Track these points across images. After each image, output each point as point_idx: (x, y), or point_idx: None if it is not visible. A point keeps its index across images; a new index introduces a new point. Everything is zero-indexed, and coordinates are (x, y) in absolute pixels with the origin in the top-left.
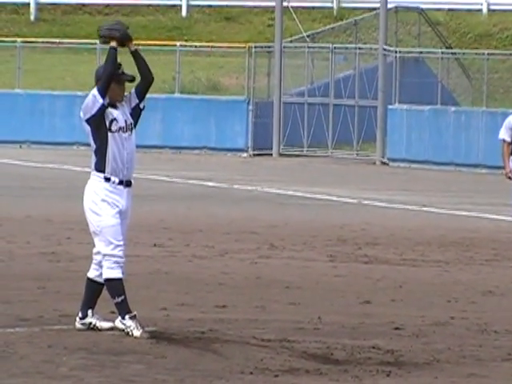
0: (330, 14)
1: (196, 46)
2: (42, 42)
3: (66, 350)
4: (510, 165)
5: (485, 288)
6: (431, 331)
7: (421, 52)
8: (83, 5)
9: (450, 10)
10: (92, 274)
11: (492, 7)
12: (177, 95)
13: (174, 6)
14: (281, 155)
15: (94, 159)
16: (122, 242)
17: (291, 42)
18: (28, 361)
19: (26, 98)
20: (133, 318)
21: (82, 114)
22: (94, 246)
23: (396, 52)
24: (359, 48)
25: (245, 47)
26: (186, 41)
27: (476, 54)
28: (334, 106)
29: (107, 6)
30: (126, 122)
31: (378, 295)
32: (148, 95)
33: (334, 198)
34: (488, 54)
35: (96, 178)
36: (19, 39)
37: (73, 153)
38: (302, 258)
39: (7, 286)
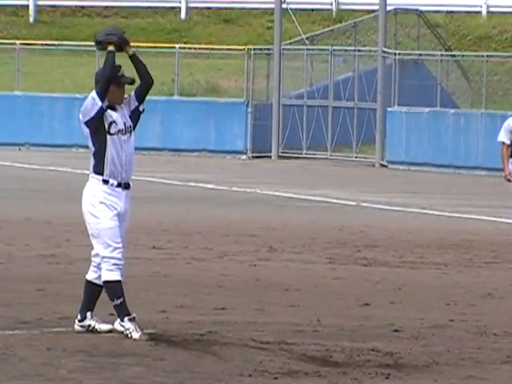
0: (330, 16)
1: (195, 49)
2: (41, 45)
3: (65, 352)
4: (509, 167)
5: (484, 290)
6: (430, 334)
7: (420, 54)
8: (82, 7)
9: (449, 12)
10: (91, 276)
11: (491, 9)
12: (176, 97)
13: (173, 8)
14: (280, 157)
15: (92, 161)
16: (120, 245)
17: (290, 44)
18: (27, 363)
19: (25, 100)
20: (132, 320)
21: (81, 117)
22: (92, 248)
23: (395, 54)
24: (358, 50)
25: (244, 49)
26: (185, 43)
27: (475, 56)
28: (333, 109)
29: (106, 8)
30: (125, 124)
31: (377, 297)
32: (147, 97)
33: (334, 201)
34: (487, 56)
35: (94, 181)
36: (18, 41)
37: (72, 155)
38: (301, 260)
39: (6, 289)
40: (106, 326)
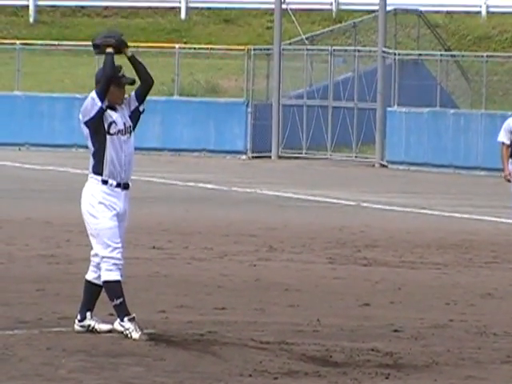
0: (329, 16)
1: (195, 49)
2: (41, 45)
3: (64, 352)
4: (509, 167)
5: (484, 290)
6: (430, 334)
7: (420, 54)
8: (82, 7)
9: (449, 12)
10: (90, 276)
11: (491, 10)
12: (176, 98)
13: (173, 8)
14: (280, 157)
15: (91, 162)
16: (119, 245)
17: (290, 44)
18: (27, 363)
19: (25, 100)
20: (132, 320)
21: (80, 117)
22: (92, 248)
23: (395, 54)
24: (358, 50)
25: (244, 49)
26: (185, 43)
27: (475, 56)
28: (333, 109)
29: (106, 8)
30: (124, 124)
31: (377, 297)
32: (147, 98)
33: (333, 201)
34: (487, 56)
35: (93, 181)
36: (18, 41)
37: (72, 155)
38: (301, 260)
39: (6, 289)
40: (105, 326)
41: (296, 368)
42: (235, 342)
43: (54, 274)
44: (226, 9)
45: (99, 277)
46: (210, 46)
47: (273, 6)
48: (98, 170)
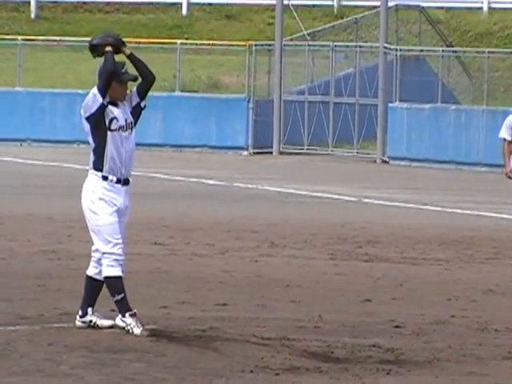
0: (331, 12)
1: (196, 44)
2: (43, 40)
3: (66, 348)
4: (510, 164)
5: (485, 286)
6: (432, 330)
7: (421, 50)
8: (84, 3)
9: (450, 8)
10: (91, 271)
11: (493, 5)
12: (177, 93)
13: (174, 4)
14: (281, 153)
15: (92, 157)
16: (120, 240)
17: (292, 40)
18: (28, 359)
19: (26, 96)
20: (133, 315)
21: (82, 112)
22: (93, 243)
23: (396, 50)
24: (360, 46)
25: (245, 45)
26: (186, 39)
27: (477, 52)
28: (335, 105)
29: (108, 3)
30: (126, 120)
31: (379, 293)
32: (149, 93)
33: (335, 197)
34: (489, 52)
35: (93, 177)
36: (20, 37)
37: (73, 151)
38: (303, 256)
39: (8, 284)
40: (107, 322)
41: (297, 364)
42: (237, 338)
43: (56, 269)
44: (227, 4)
45: (100, 272)
46: (211, 42)
47: (274, 2)
48: (98, 165)
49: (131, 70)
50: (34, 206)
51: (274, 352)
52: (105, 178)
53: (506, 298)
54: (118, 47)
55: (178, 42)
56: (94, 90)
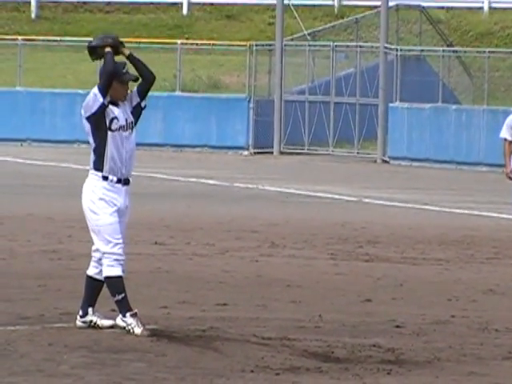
0: (331, 12)
1: (197, 44)
2: (43, 40)
3: (66, 348)
4: (511, 164)
5: (485, 286)
6: (432, 329)
7: (422, 50)
8: (84, 3)
9: (451, 8)
10: (91, 271)
11: (493, 5)
12: (178, 93)
13: (175, 3)
14: (282, 153)
15: (92, 157)
16: (120, 240)
17: (292, 40)
18: (29, 359)
19: (26, 96)
20: (134, 315)
21: (82, 112)
22: (93, 243)
23: (397, 50)
24: (360, 46)
25: (246, 45)
26: (187, 39)
27: (477, 52)
28: (335, 104)
29: (108, 3)
30: (126, 120)
31: (379, 293)
32: (149, 93)
33: (335, 196)
34: (489, 52)
35: (94, 177)
36: (20, 37)
37: (74, 151)
38: (303, 256)
39: (8, 284)
40: (107, 322)
41: (298, 364)
42: (237, 338)
43: (56, 269)
44: (227, 4)
45: (100, 272)
46: (211, 42)
47: (275, 2)
48: (98, 165)
49: (131, 70)
50: (34, 206)
51: (274, 352)
52: (105, 178)
53: (507, 298)
54: (117, 48)
55: (179, 41)
56: (95, 89)
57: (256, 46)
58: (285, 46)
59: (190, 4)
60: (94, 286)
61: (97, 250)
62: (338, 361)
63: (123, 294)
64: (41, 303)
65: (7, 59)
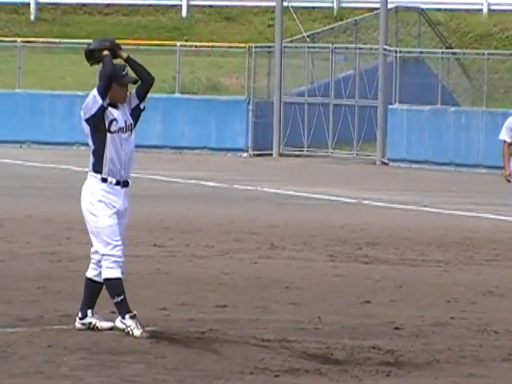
0: (330, 14)
1: (196, 46)
2: (42, 42)
3: (66, 349)
4: (510, 166)
5: (485, 288)
6: (431, 331)
7: (421, 52)
8: (83, 5)
9: (450, 9)
10: (90, 273)
11: (492, 7)
12: (177, 95)
13: (174, 5)
14: (281, 155)
15: (91, 159)
16: (120, 242)
17: (291, 42)
18: (28, 361)
19: (26, 98)
20: (133, 317)
21: (82, 114)
22: (92, 245)
23: (396, 52)
24: (359, 48)
25: (245, 47)
26: (186, 41)
27: (476, 54)
28: (334, 106)
29: (107, 5)
30: (125, 122)
31: (378, 295)
32: (148, 95)
33: (334, 198)
34: (488, 54)
35: (93, 179)
36: (19, 39)
37: (73, 153)
38: (302, 258)
39: (8, 286)
40: (106, 324)
41: (297, 366)
42: (236, 340)
43: (55, 271)
44: (227, 6)
45: (100, 274)
46: (211, 44)
47: (274, 4)
48: (97, 168)
49: (131, 72)
50: (33, 208)
51: (273, 354)
52: (104, 180)
53: (506, 300)
54: (115, 51)
55: (178, 43)
56: (94, 91)
57: (255, 47)
58: (284, 47)
59: (189, 6)
60: (93, 288)
61: (96, 252)
62: (338, 363)
63: (122, 296)
64: (40, 305)
65: (6, 61)
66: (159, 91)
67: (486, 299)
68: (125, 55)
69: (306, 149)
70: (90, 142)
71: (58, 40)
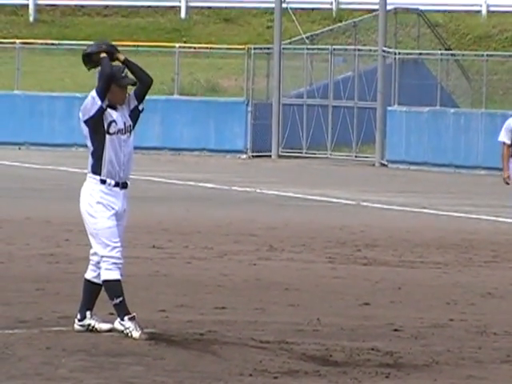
0: (329, 15)
1: (195, 48)
2: (41, 44)
3: (64, 351)
4: (509, 168)
5: (484, 290)
6: (430, 333)
7: (420, 53)
8: (82, 6)
9: (449, 11)
10: (89, 275)
11: (491, 9)
12: (176, 97)
13: (173, 7)
14: (280, 157)
15: (90, 161)
16: (119, 244)
17: (290, 43)
18: (27, 362)
19: (24, 99)
20: (132, 319)
21: (80, 115)
22: (91, 247)
23: (395, 53)
24: (358, 50)
25: (244, 49)
26: (185, 42)
27: (475, 55)
28: (333, 108)
29: (106, 7)
30: (124, 123)
31: (377, 297)
32: (147, 97)
33: (333, 200)
34: (487, 55)
35: (92, 180)
36: (18, 41)
37: (72, 154)
38: (301, 259)
39: (6, 288)
40: (105, 326)
41: (296, 367)
42: (235, 342)
43: (54, 273)
44: (226, 8)
45: (98, 276)
46: (210, 46)
47: (273, 6)
48: (96, 169)
49: (129, 74)
50: (32, 210)
51: (272, 355)
52: (103, 182)
53: (505, 302)
54: (112, 54)
55: (177, 45)
56: (93, 93)
57: (254, 49)
58: (283, 49)
59: (188, 7)
60: (92, 290)
61: (95, 254)
62: (337, 364)
63: (121, 298)
64: (39, 307)
65: (5, 63)
66: (158, 93)
67: (485, 301)
68: (122, 57)
69: (304, 150)
70: (89, 144)
71: (56, 41)
